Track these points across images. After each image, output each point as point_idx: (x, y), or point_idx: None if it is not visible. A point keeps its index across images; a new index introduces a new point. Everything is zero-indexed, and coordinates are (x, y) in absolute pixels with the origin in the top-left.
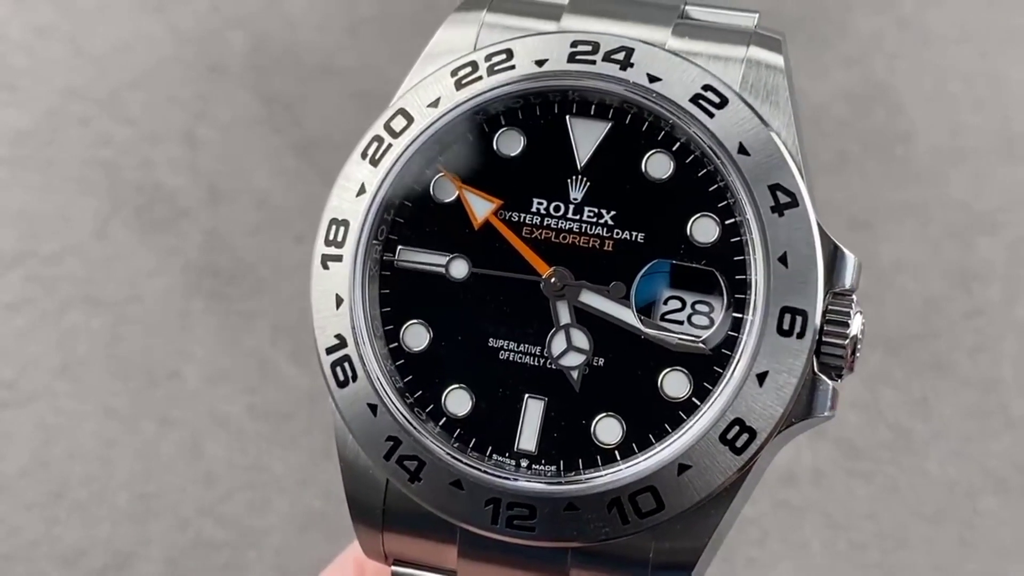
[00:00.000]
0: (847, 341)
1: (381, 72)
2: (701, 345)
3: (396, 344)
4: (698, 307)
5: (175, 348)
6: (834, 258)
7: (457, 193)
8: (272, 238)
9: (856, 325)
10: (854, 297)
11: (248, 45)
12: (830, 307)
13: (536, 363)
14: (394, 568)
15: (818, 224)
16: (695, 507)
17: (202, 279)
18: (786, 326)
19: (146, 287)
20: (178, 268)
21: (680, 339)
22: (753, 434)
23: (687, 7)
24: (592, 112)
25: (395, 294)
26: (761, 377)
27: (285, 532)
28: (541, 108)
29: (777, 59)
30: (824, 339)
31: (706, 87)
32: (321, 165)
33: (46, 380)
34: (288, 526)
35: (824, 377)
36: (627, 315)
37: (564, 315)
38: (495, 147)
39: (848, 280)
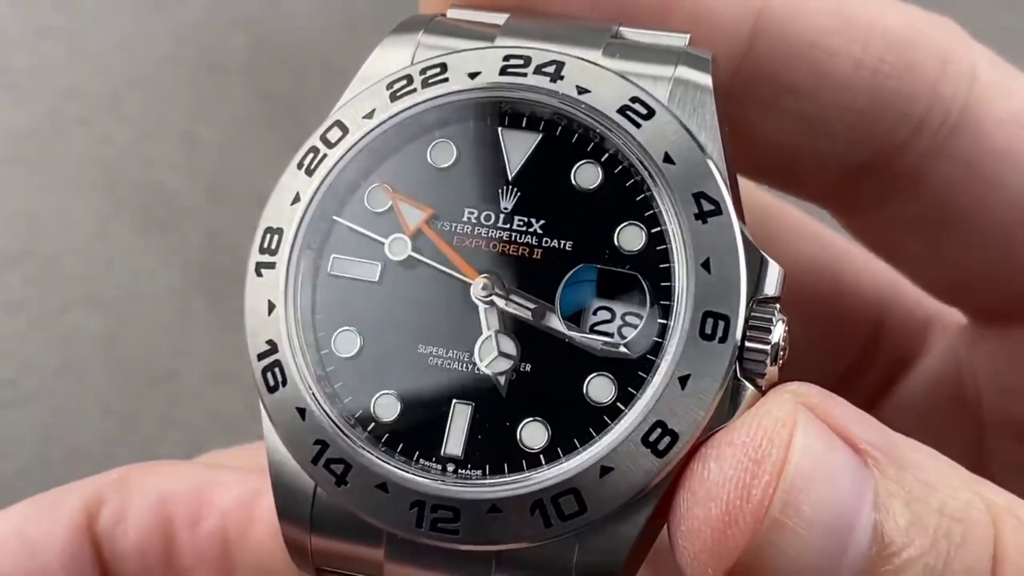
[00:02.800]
0: (769, 347)
1: None
2: (624, 349)
3: (327, 350)
4: (628, 319)
5: (175, 348)
6: (758, 266)
7: (390, 202)
8: None
9: (778, 332)
10: (777, 306)
11: (248, 45)
12: (753, 314)
13: (464, 369)
14: None
15: (743, 233)
16: (617, 511)
17: (202, 279)
18: (708, 330)
19: (146, 287)
20: (178, 268)
21: (605, 344)
22: (675, 437)
23: (620, 28)
24: (524, 124)
25: (327, 301)
26: (683, 380)
27: None
28: (474, 120)
29: (705, 79)
30: (746, 345)
31: (634, 99)
32: None
33: (46, 380)
34: None
35: (747, 383)
36: (553, 321)
37: (493, 321)
38: (428, 158)
39: (772, 288)
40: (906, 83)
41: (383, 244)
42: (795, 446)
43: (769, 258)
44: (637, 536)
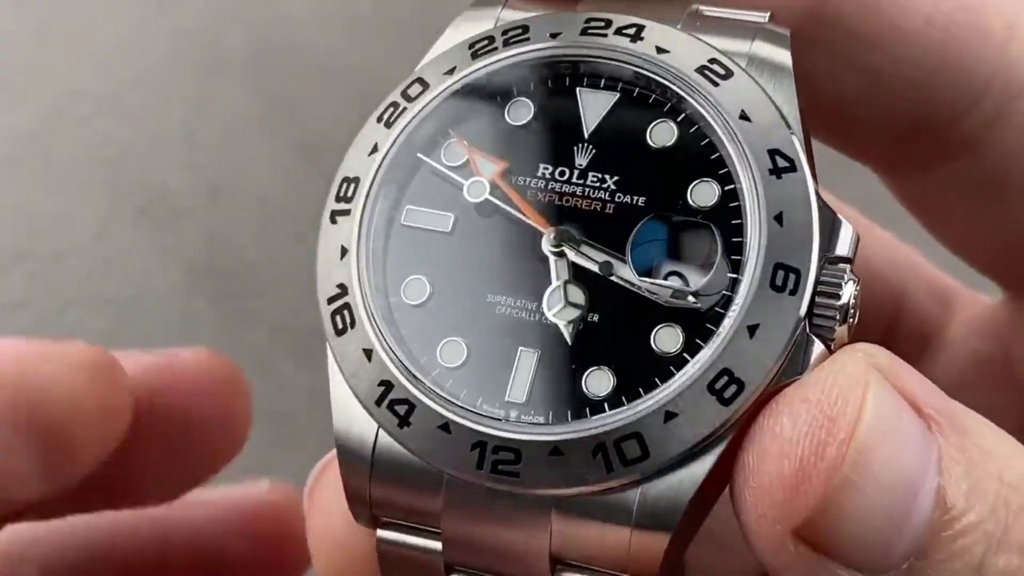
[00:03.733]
0: (839, 303)
1: (381, 72)
2: (692, 298)
3: (397, 297)
4: (698, 273)
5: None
6: (831, 226)
7: (466, 156)
8: (272, 238)
9: (849, 291)
10: (850, 266)
11: (248, 45)
12: (824, 271)
13: (532, 318)
14: (380, 533)
15: (817, 193)
16: (680, 459)
17: (203, 279)
18: (779, 282)
19: (146, 287)
20: (179, 268)
21: (674, 294)
22: (742, 386)
23: (699, 7)
24: (602, 84)
25: (399, 249)
26: (752, 329)
27: None
28: (553, 79)
29: (784, 55)
30: (817, 300)
31: (712, 60)
32: (321, 165)
33: None
34: None
35: (816, 339)
36: (623, 272)
37: (562, 272)
38: (506, 115)
39: (843, 248)
40: (975, 45)
41: (462, 187)
42: (867, 407)
43: (843, 219)
44: (700, 485)
